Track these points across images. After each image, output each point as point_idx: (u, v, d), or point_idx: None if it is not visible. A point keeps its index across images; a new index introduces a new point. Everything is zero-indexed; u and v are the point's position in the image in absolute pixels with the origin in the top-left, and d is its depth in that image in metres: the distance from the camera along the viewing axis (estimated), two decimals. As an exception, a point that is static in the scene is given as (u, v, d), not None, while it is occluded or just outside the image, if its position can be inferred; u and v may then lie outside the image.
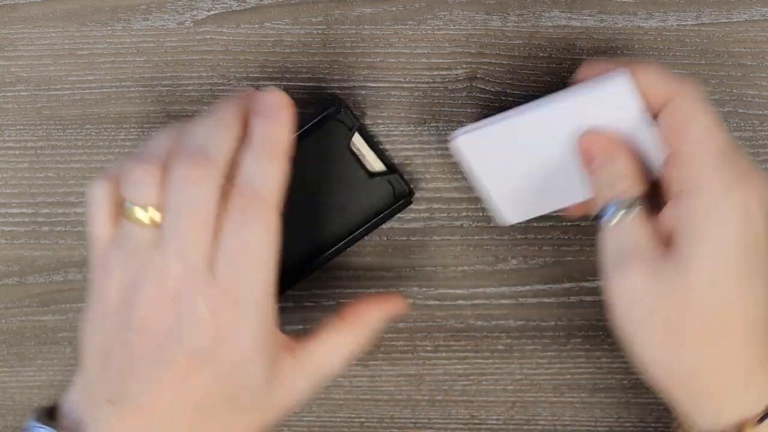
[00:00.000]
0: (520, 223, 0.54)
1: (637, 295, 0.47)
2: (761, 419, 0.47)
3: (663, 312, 0.46)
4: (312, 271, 0.55)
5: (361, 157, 0.54)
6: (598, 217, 0.49)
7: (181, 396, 0.46)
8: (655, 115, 0.48)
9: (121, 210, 0.47)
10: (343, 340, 0.50)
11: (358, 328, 0.50)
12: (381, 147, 0.54)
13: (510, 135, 0.51)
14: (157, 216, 0.46)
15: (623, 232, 0.48)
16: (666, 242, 0.47)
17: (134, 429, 0.47)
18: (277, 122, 0.47)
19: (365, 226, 0.55)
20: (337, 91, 0.57)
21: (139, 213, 0.46)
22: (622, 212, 0.48)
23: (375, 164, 0.55)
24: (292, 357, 0.49)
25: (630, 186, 0.48)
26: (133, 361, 0.46)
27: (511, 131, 0.51)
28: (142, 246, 0.46)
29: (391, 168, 0.55)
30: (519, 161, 0.52)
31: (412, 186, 0.56)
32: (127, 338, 0.46)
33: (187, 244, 0.45)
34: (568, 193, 0.52)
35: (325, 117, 0.53)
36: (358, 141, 0.54)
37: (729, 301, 0.46)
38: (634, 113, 0.49)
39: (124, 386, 0.46)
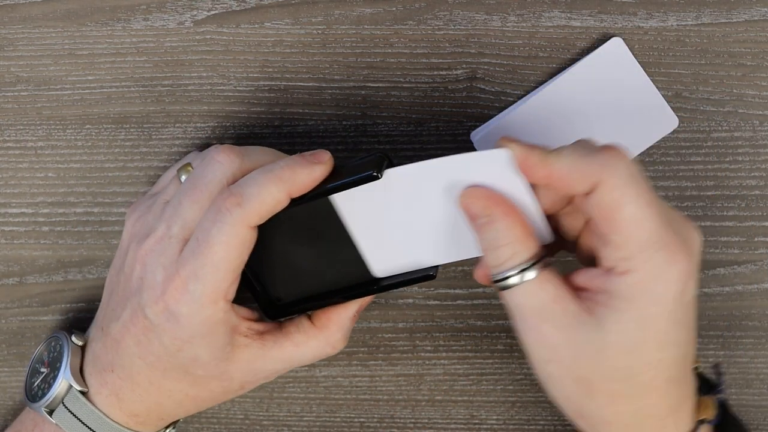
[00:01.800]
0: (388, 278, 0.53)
1: (553, 351, 0.47)
2: None
3: (577, 368, 0.46)
4: (313, 307, 0.54)
5: None
6: (495, 281, 0.47)
7: (139, 348, 0.51)
8: (583, 194, 0.46)
9: (180, 171, 0.53)
10: (312, 342, 0.53)
11: (328, 332, 0.53)
12: None
13: (386, 187, 0.49)
14: None
15: (522, 298, 0.47)
16: (580, 297, 0.47)
17: (109, 357, 0.53)
18: (305, 166, 0.50)
19: (378, 285, 0.53)
20: (337, 92, 0.57)
21: (184, 174, 0.53)
22: (514, 279, 0.46)
23: None
24: (260, 344, 0.52)
25: (518, 250, 0.46)
26: (118, 300, 0.53)
27: (388, 183, 0.49)
28: (163, 200, 0.53)
29: None
30: (393, 214, 0.50)
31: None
32: (119, 278, 0.53)
33: (177, 211, 0.51)
34: (443, 251, 0.51)
35: (367, 177, 0.49)
36: None
37: (646, 365, 0.46)
38: (515, 187, 0.47)
39: (110, 318, 0.53)
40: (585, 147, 0.46)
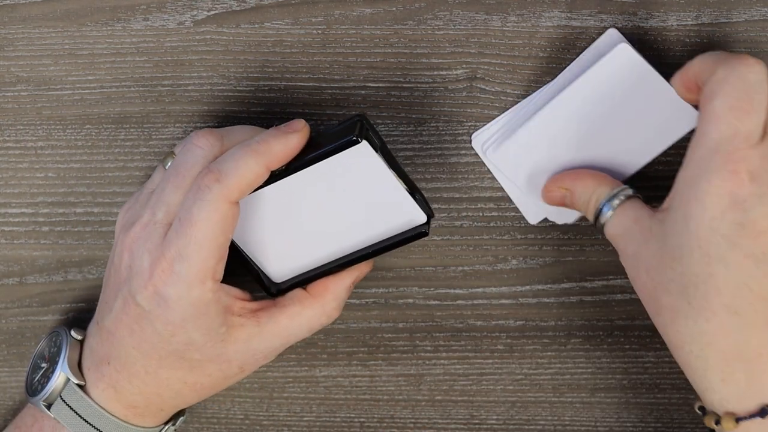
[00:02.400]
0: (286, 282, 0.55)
1: (634, 267, 0.49)
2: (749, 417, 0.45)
3: (650, 281, 0.48)
4: (315, 278, 0.55)
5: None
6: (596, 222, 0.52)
7: (132, 337, 0.52)
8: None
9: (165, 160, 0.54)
10: (308, 312, 0.54)
11: (323, 300, 0.54)
12: (402, 167, 0.52)
13: (270, 199, 0.52)
14: None
15: (612, 226, 0.51)
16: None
17: (105, 349, 0.53)
18: (280, 137, 0.50)
19: (373, 249, 0.53)
20: (337, 92, 0.57)
21: (169, 161, 0.53)
22: (603, 216, 0.51)
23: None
24: (255, 322, 0.53)
25: (597, 198, 0.52)
26: (109, 292, 0.53)
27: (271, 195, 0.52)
28: (148, 190, 0.53)
29: (412, 189, 0.52)
30: (284, 222, 0.53)
31: (432, 209, 0.53)
32: (110, 271, 0.53)
33: (161, 197, 0.51)
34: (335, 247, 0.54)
35: (348, 142, 0.49)
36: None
37: (694, 276, 0.46)
38: (380, 175, 0.51)
39: (103, 311, 0.54)
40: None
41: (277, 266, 0.54)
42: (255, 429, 0.62)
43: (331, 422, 0.62)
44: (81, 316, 0.61)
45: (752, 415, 0.45)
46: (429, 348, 0.61)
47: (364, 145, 0.49)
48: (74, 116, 0.58)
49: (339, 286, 0.54)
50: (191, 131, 0.58)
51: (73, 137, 0.59)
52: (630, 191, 0.51)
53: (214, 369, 0.53)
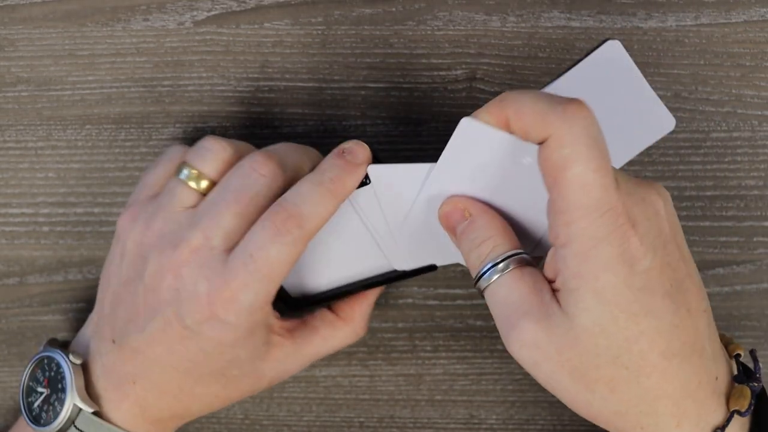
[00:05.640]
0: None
1: (537, 350, 0.44)
2: None
3: (565, 362, 0.44)
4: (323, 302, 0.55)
5: None
6: (476, 282, 0.47)
7: (172, 356, 0.50)
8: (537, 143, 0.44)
9: (176, 170, 0.51)
10: (338, 333, 0.54)
11: (353, 323, 0.54)
12: None
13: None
14: (204, 186, 0.50)
15: (503, 291, 0.45)
16: (555, 288, 0.45)
17: (129, 368, 0.51)
18: (352, 172, 0.50)
19: (383, 278, 0.53)
20: (337, 92, 0.58)
21: (192, 175, 0.50)
22: (494, 272, 0.46)
23: None
24: (291, 343, 0.53)
25: (498, 243, 0.46)
26: (137, 311, 0.50)
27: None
28: (177, 206, 0.50)
29: None
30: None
31: None
32: (136, 289, 0.50)
33: (218, 222, 0.49)
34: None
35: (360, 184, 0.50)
36: None
37: (626, 341, 0.43)
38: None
39: (125, 330, 0.51)
40: (550, 96, 0.44)
41: (304, 284, 0.54)
42: (255, 429, 0.62)
43: (330, 422, 0.62)
44: (81, 316, 0.61)
45: None
46: (428, 348, 0.61)
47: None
48: (74, 116, 0.58)
49: (365, 306, 0.55)
50: (191, 131, 0.58)
51: (73, 137, 0.59)
52: (528, 258, 0.46)
53: (246, 383, 0.52)
